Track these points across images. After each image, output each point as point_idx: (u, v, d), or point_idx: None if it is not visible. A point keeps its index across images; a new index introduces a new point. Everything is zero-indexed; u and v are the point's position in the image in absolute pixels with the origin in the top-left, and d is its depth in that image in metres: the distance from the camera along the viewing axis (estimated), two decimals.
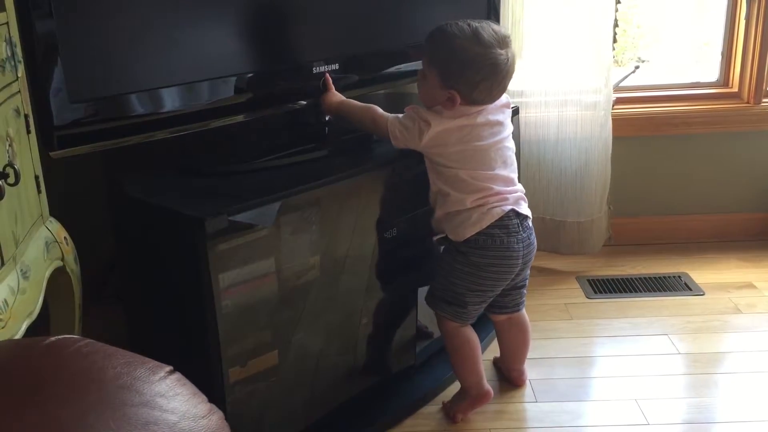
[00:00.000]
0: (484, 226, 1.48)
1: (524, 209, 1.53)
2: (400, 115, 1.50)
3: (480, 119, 1.48)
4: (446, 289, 1.56)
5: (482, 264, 1.51)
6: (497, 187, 1.49)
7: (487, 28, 1.46)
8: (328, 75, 1.56)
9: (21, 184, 1.12)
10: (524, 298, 1.65)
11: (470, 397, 1.61)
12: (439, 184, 1.51)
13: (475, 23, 1.46)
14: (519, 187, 1.55)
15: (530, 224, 1.55)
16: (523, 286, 1.63)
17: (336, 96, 1.56)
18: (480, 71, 1.44)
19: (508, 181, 1.52)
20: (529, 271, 1.62)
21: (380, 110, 1.52)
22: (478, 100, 1.47)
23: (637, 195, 2.39)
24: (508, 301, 1.63)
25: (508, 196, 1.50)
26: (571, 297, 2.13)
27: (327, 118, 1.64)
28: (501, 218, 1.48)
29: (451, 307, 1.56)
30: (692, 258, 2.32)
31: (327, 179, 1.41)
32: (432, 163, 1.51)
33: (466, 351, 1.59)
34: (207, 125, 1.39)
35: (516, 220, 1.51)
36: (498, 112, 1.52)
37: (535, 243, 1.57)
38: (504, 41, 1.47)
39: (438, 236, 1.58)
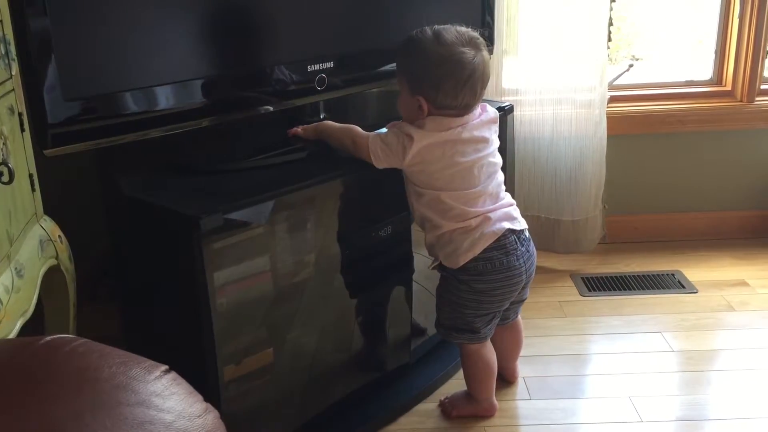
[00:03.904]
0: (478, 252, 1.44)
1: (517, 224, 1.49)
2: (382, 132, 1.46)
3: (465, 135, 1.43)
4: (454, 318, 1.52)
5: (487, 289, 1.47)
6: (484, 207, 1.46)
7: (450, 29, 1.43)
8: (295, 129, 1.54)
9: (15, 182, 1.12)
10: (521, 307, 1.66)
11: (477, 407, 1.62)
12: (422, 210, 1.47)
13: (439, 27, 1.43)
14: (507, 200, 1.51)
15: (527, 235, 1.52)
16: (524, 300, 1.62)
17: (311, 125, 1.54)
18: (439, 69, 1.40)
19: (495, 197, 1.48)
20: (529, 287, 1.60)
21: (360, 130, 1.47)
22: (445, 104, 1.42)
23: (632, 193, 2.40)
24: (509, 314, 1.62)
25: (498, 212, 1.46)
26: (566, 295, 2.14)
27: (322, 116, 1.63)
28: (498, 239, 1.45)
29: (464, 334, 1.53)
30: (686, 256, 2.33)
31: (322, 177, 1.41)
32: (412, 186, 1.47)
33: (484, 372, 1.59)
34: (201, 123, 1.38)
35: (512, 237, 1.47)
36: (483, 128, 1.47)
37: (535, 251, 1.54)
38: (471, 42, 1.42)
39: (434, 264, 1.54)
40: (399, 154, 1.42)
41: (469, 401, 1.62)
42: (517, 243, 1.48)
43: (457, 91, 1.41)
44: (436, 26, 1.43)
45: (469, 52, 1.41)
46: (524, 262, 1.49)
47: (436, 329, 1.59)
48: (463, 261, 1.45)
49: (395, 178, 1.51)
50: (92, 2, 1.21)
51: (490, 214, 1.46)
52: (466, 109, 1.44)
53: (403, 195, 1.54)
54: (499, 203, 1.49)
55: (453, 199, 1.44)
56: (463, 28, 1.44)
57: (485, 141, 1.47)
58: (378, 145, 1.43)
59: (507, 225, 1.46)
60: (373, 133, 1.46)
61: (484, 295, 1.48)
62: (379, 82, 1.77)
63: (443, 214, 1.45)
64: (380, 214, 1.55)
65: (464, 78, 1.40)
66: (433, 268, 1.55)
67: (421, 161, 1.43)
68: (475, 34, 1.44)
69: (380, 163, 1.44)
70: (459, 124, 1.44)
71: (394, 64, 1.50)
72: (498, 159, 1.51)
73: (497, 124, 1.52)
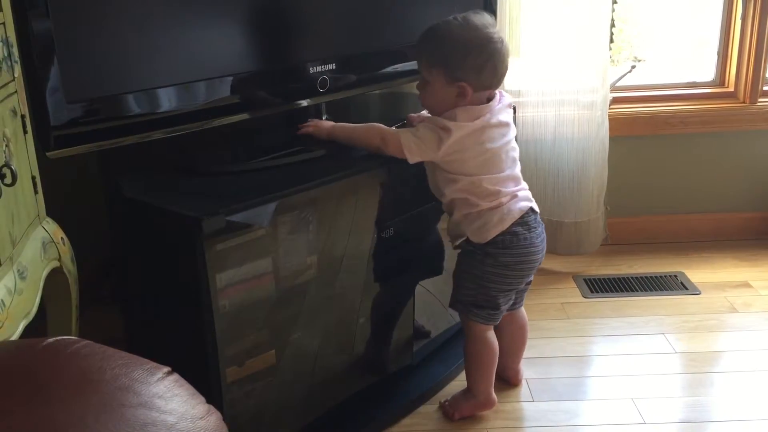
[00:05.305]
0: (507, 226, 1.49)
1: (535, 206, 1.55)
2: (412, 128, 1.48)
3: (493, 120, 1.48)
4: (477, 293, 1.54)
5: (511, 263, 1.51)
6: (510, 188, 1.51)
7: (472, 14, 1.48)
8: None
9: (18, 184, 1.12)
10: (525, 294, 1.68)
11: (476, 401, 1.62)
12: (453, 194, 1.50)
13: (460, 15, 1.48)
14: (525, 184, 1.57)
15: (539, 218, 1.57)
16: (530, 284, 1.64)
17: (325, 123, 1.55)
18: (482, 52, 1.45)
19: (518, 181, 1.55)
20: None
21: (385, 127, 1.50)
22: (486, 84, 1.47)
23: (634, 194, 2.40)
24: (517, 298, 1.64)
25: (520, 193, 1.53)
26: (568, 296, 2.13)
27: (324, 118, 1.63)
28: (522, 216, 1.50)
29: (484, 310, 1.55)
30: (689, 257, 2.33)
31: (324, 179, 1.40)
32: (444, 173, 1.50)
33: (487, 356, 1.59)
34: (204, 125, 1.39)
35: (533, 216, 1.53)
36: (504, 112, 1.52)
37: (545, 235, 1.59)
38: (492, 23, 1.49)
39: (458, 241, 1.55)
40: (434, 146, 1.45)
41: (468, 399, 1.62)
42: (536, 222, 1.54)
43: (497, 69, 1.47)
44: (456, 15, 1.48)
45: (495, 32, 1.48)
46: (541, 242, 1.55)
47: (452, 307, 1.60)
48: (492, 234, 1.49)
49: (398, 180, 1.51)
50: (94, 4, 1.21)
51: (517, 193, 1.52)
52: (500, 83, 1.50)
53: (405, 197, 1.54)
54: (521, 185, 1.55)
55: (487, 183, 1.49)
56: (478, 14, 1.49)
57: (507, 125, 1.53)
58: (411, 140, 1.46)
59: (529, 204, 1.53)
60: (401, 129, 1.49)
61: (508, 269, 1.51)
62: (380, 84, 1.77)
63: (479, 196, 1.49)
64: (383, 216, 1.54)
65: (501, 57, 1.47)
66: (456, 247, 1.57)
67: (456, 151, 1.46)
68: (492, 19, 1.50)
69: (414, 157, 1.47)
70: (487, 111, 1.48)
71: (403, 63, 1.51)
72: (517, 145, 1.56)
73: (512, 110, 1.57)
